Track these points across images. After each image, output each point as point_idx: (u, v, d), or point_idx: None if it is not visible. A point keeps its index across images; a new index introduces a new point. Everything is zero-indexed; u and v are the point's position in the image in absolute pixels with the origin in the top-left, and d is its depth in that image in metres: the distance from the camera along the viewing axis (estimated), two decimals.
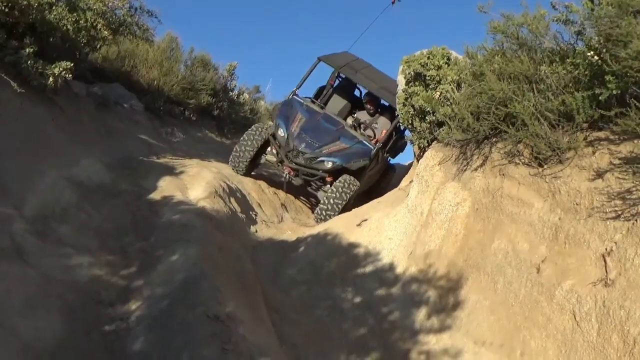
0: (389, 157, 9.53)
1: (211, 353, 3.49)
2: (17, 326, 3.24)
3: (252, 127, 8.76)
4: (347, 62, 9.29)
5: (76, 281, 4.00)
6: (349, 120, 9.02)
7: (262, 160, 8.71)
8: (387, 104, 9.11)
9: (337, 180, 7.93)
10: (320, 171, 8.13)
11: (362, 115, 9.24)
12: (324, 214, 7.75)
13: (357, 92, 9.84)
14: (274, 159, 8.45)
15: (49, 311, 3.53)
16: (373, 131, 8.95)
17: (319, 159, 8.07)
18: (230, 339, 3.63)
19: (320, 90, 9.57)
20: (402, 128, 9.20)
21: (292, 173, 8.19)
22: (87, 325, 3.62)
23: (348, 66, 9.20)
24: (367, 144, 8.52)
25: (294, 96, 8.94)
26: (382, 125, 9.02)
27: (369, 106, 9.18)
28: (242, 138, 8.57)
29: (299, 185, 8.46)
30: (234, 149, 8.55)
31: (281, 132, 8.18)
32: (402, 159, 13.47)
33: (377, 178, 9.37)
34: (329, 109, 9.11)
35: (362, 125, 9.02)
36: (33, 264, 3.87)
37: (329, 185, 8.16)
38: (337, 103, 9.36)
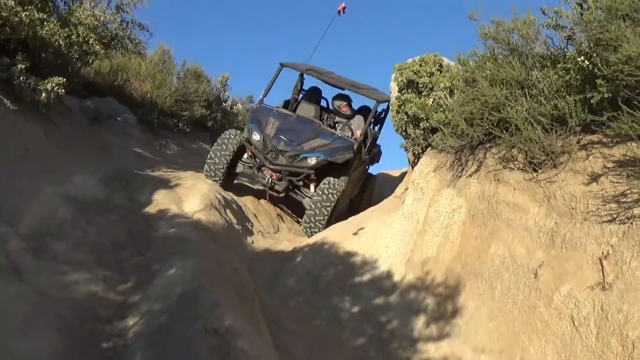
0: (367, 165, 9.29)
1: None
2: (15, 345, 3.22)
3: (225, 132, 8.26)
4: (310, 67, 9.07)
5: (73, 298, 3.97)
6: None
7: (240, 169, 8.19)
8: (359, 107, 9.06)
9: (321, 183, 7.57)
10: (305, 169, 7.71)
11: (336, 118, 9.06)
12: (313, 220, 7.42)
13: (323, 103, 9.57)
14: (251, 171, 8.03)
15: (46, 329, 3.50)
16: (351, 130, 8.64)
17: (301, 156, 7.68)
18: (230, 353, 3.60)
19: (287, 102, 9.21)
20: (375, 133, 9.11)
21: (274, 177, 7.74)
22: (84, 343, 3.59)
23: (312, 70, 8.98)
24: (347, 138, 8.27)
25: (262, 105, 8.66)
26: (358, 126, 8.73)
27: (343, 109, 8.94)
28: (215, 143, 8.08)
29: (282, 190, 7.90)
30: (208, 156, 7.99)
31: (256, 136, 7.78)
32: (390, 166, 13.22)
33: (360, 186, 9.10)
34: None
35: (337, 125, 8.78)
36: (30, 282, 3.84)
37: (313, 189, 7.78)
38: (307, 110, 9.03)
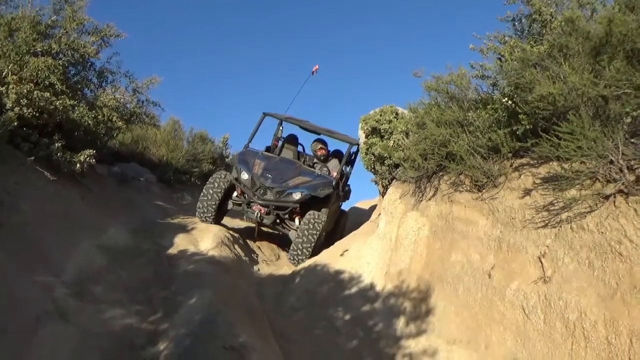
0: (341, 201, 8.68)
1: None
2: None
3: (213, 174, 7.53)
4: (289, 117, 8.61)
5: (111, 331, 3.86)
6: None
7: (230, 207, 7.52)
8: (332, 150, 8.62)
9: (306, 215, 7.09)
10: (291, 203, 7.20)
11: (314, 160, 8.60)
12: (300, 248, 6.90)
13: (300, 149, 8.97)
14: (240, 208, 7.38)
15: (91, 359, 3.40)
16: (328, 170, 8.18)
17: (287, 192, 7.18)
18: None
19: (268, 148, 8.55)
20: (348, 173, 8.59)
21: (262, 211, 7.17)
22: None
23: (290, 118, 8.57)
24: (326, 176, 7.84)
25: (248, 148, 8.03)
26: (333, 167, 8.32)
27: (319, 153, 8.40)
28: (205, 186, 7.34)
29: (270, 223, 7.29)
30: (200, 199, 7.26)
31: (245, 175, 7.23)
32: (363, 197, 13.00)
33: (335, 219, 8.46)
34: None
35: (315, 166, 8.29)
36: (74, 322, 3.73)
37: (298, 222, 7.30)
38: (287, 153, 8.46)
